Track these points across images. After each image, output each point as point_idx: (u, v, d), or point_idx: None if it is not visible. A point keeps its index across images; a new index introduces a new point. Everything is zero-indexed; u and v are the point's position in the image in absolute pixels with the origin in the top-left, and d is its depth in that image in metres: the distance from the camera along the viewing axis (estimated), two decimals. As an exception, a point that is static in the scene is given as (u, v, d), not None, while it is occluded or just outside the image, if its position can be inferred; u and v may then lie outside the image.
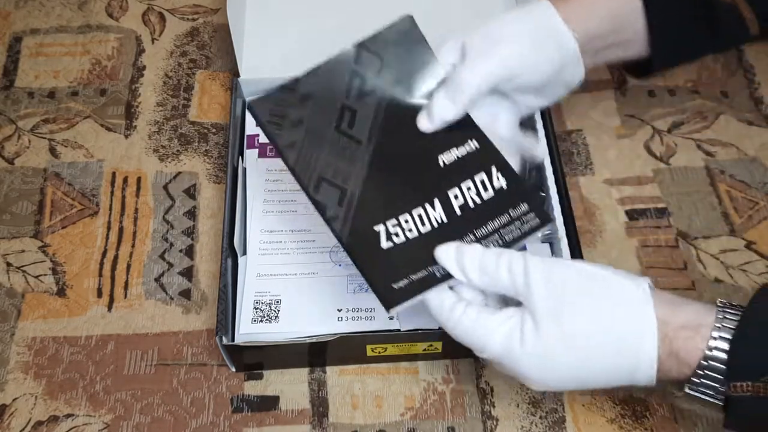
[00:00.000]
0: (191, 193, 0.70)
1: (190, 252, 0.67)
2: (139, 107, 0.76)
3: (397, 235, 0.49)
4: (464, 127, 0.52)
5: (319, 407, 0.59)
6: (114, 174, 0.71)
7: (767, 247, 0.66)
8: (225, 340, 0.55)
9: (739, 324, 0.43)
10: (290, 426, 0.58)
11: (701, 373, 0.43)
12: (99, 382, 0.60)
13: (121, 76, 0.78)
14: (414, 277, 0.47)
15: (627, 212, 0.68)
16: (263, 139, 0.67)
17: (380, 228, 0.49)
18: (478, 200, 0.50)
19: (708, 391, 0.44)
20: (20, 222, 0.68)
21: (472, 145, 0.52)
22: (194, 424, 0.58)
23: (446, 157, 0.52)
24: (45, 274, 0.65)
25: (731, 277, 0.64)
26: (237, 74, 0.70)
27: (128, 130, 0.74)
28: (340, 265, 0.60)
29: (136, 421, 0.58)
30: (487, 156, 0.52)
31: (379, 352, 0.58)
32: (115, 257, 0.66)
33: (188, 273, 0.65)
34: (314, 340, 0.56)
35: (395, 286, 0.47)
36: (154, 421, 0.58)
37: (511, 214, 0.50)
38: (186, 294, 0.64)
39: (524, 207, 0.50)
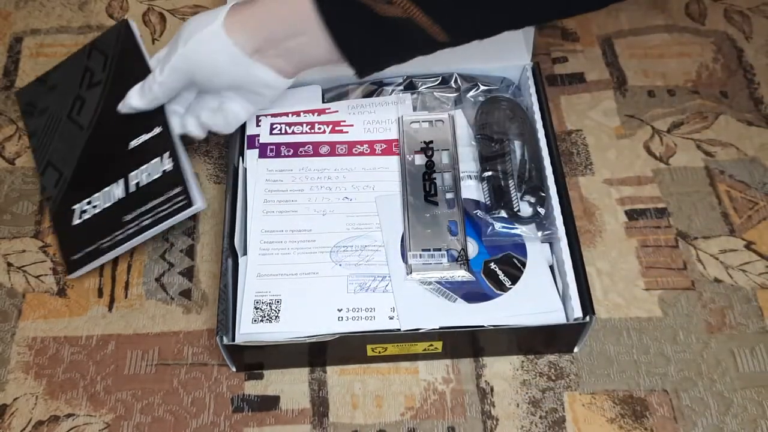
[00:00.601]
0: (192, 193, 0.70)
1: (190, 252, 0.67)
2: (140, 107, 0.76)
3: (87, 212, 0.59)
4: (154, 116, 0.61)
5: (320, 407, 0.59)
6: (114, 174, 0.71)
7: (767, 247, 0.66)
8: (225, 340, 0.55)
9: None
10: (290, 426, 0.58)
11: None
12: (99, 382, 0.60)
13: (122, 77, 0.78)
14: (87, 249, 0.59)
15: (627, 212, 0.68)
16: (264, 139, 0.67)
17: (76, 207, 0.59)
18: (148, 180, 0.59)
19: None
20: (21, 222, 0.68)
21: (156, 131, 0.60)
22: (195, 424, 0.58)
23: (135, 142, 0.60)
24: (46, 274, 0.65)
25: (731, 277, 0.64)
26: (237, 74, 0.70)
27: (129, 130, 0.74)
28: (340, 265, 0.60)
29: (136, 421, 0.58)
30: (164, 142, 0.60)
31: (379, 352, 0.58)
32: (116, 257, 0.66)
33: (189, 273, 0.66)
34: (314, 340, 0.56)
35: (74, 257, 0.59)
36: (154, 421, 0.58)
37: (168, 194, 0.58)
38: (186, 294, 0.64)
39: (177, 190, 0.58)
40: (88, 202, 0.58)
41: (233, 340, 0.57)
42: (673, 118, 0.74)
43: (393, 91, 0.70)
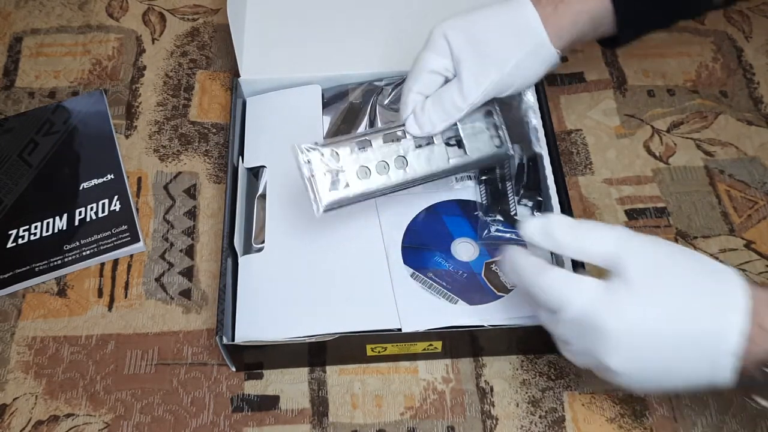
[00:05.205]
0: (191, 192, 0.70)
1: (190, 252, 0.67)
2: (140, 107, 0.76)
3: (23, 237, 0.65)
4: (108, 165, 0.70)
5: (319, 407, 0.59)
6: (114, 174, 0.71)
7: (766, 246, 0.66)
8: (225, 340, 0.55)
9: None
10: (290, 425, 0.58)
11: None
12: (99, 382, 0.60)
13: (122, 76, 0.78)
14: (18, 270, 0.64)
15: (626, 212, 0.68)
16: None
17: (12, 231, 0.65)
18: (95, 217, 0.66)
19: None
20: None
21: (109, 177, 0.69)
22: (194, 424, 0.58)
23: (87, 184, 0.68)
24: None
25: (730, 277, 0.64)
26: (237, 74, 0.70)
27: (129, 130, 0.74)
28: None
29: (136, 421, 0.58)
30: (115, 187, 0.68)
31: (379, 352, 0.58)
32: (116, 258, 0.66)
33: (188, 273, 0.66)
34: (314, 340, 0.56)
35: (2, 276, 0.63)
36: (154, 421, 0.58)
37: (113, 230, 0.66)
38: (186, 294, 0.64)
39: (123, 228, 0.66)
40: (26, 229, 0.65)
41: (233, 339, 0.57)
42: (673, 118, 0.74)
43: (393, 90, 0.70)
